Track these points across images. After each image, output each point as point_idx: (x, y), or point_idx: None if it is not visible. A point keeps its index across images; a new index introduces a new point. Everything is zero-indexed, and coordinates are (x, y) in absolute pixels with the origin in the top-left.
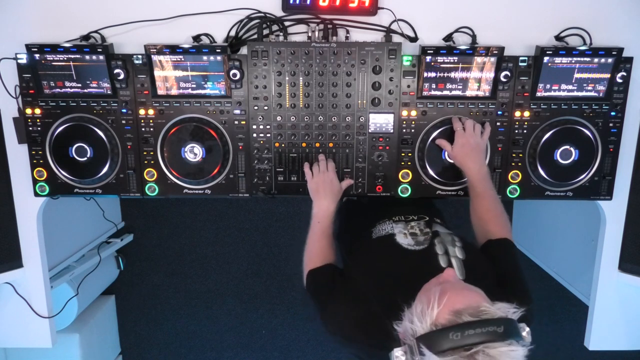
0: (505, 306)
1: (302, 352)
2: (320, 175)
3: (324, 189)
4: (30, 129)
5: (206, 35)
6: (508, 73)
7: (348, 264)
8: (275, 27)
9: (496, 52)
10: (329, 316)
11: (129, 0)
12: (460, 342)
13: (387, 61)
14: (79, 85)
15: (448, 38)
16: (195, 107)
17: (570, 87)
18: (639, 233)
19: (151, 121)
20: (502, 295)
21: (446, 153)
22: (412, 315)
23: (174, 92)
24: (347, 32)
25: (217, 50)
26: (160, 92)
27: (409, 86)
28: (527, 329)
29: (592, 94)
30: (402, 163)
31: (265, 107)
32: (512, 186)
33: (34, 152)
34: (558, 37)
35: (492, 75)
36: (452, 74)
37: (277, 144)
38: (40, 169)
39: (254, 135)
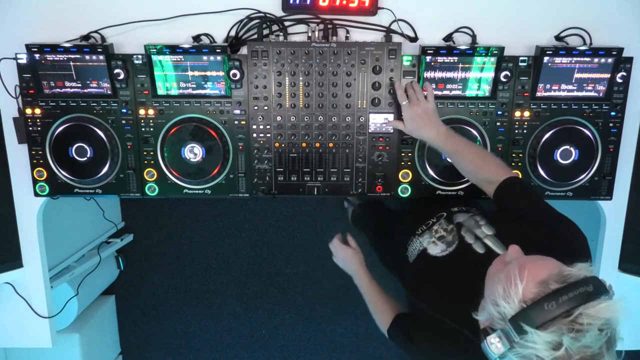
0: (583, 265)
1: (302, 352)
2: (340, 252)
3: (347, 266)
4: (30, 129)
5: (206, 35)
6: (508, 73)
7: (410, 301)
8: (275, 27)
9: (496, 52)
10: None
11: (129, 0)
12: (557, 310)
13: (387, 61)
14: (79, 85)
15: (448, 38)
16: (195, 107)
17: (570, 87)
18: (639, 233)
19: (151, 121)
20: (552, 239)
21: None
22: (496, 299)
23: (174, 92)
24: (347, 32)
25: (217, 50)
26: (160, 92)
27: None
28: (609, 283)
29: (592, 94)
30: (402, 163)
31: (265, 107)
32: None
33: (34, 152)
34: (558, 37)
35: (492, 75)
36: (452, 74)
37: (277, 144)
38: (40, 169)
39: (254, 135)
